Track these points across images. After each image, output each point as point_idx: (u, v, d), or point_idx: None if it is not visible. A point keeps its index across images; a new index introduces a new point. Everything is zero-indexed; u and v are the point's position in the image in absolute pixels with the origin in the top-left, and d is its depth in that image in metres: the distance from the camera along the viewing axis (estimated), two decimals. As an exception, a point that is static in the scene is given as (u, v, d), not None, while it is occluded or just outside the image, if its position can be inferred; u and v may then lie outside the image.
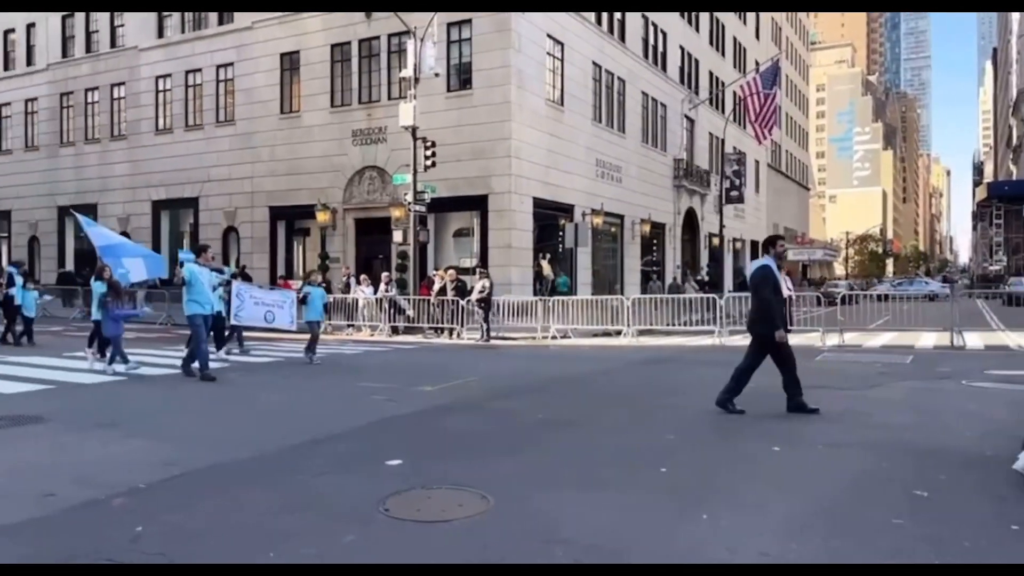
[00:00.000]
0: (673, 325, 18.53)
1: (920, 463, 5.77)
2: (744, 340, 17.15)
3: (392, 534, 4.27)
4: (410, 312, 18.94)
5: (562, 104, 25.85)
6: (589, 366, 12.88)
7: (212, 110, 28.58)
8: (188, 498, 4.92)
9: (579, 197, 26.68)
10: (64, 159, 32.67)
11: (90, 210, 31.71)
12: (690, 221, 38.21)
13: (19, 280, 15.16)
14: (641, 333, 17.82)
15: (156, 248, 29.24)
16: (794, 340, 16.64)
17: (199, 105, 28.97)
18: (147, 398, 9.03)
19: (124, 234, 30.36)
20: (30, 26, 33.56)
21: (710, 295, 19.20)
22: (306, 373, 11.42)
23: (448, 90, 23.70)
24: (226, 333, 13.52)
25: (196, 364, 10.48)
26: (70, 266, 31.96)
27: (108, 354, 11.08)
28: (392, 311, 19.08)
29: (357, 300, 19.46)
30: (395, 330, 18.91)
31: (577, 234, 23.66)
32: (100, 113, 31.70)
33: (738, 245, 45.91)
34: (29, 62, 33.65)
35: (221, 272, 12.94)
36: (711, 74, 40.67)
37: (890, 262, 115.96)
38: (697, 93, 37.96)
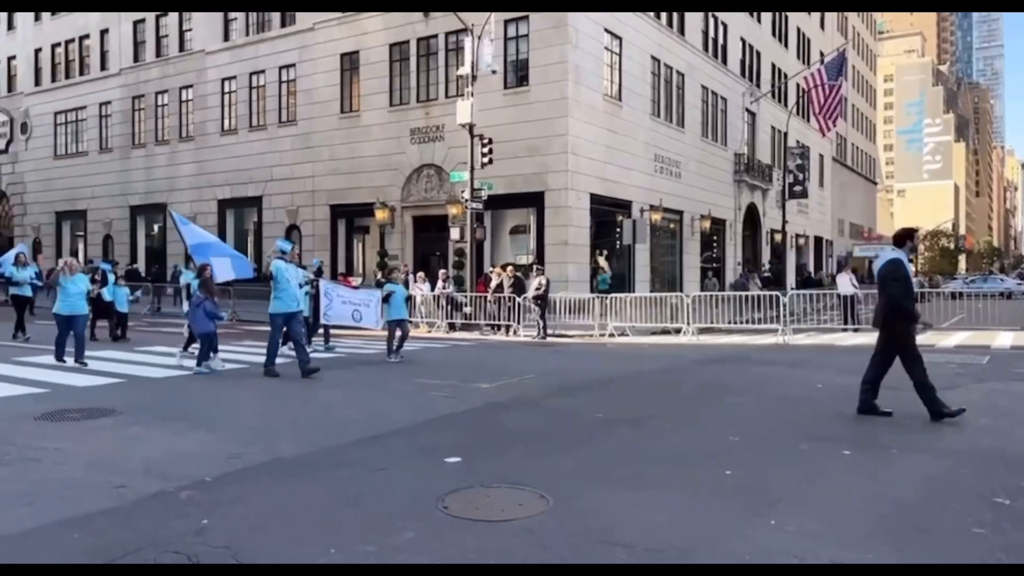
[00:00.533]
0: (734, 323, 18.16)
1: (1001, 469, 5.48)
2: (808, 339, 16.73)
3: (452, 532, 4.25)
4: (467, 309, 19.00)
5: (620, 99, 25.58)
6: (648, 364, 12.70)
7: (275, 111, 29.21)
8: (251, 492, 5.00)
9: (637, 193, 26.38)
10: (135, 160, 33.85)
11: (159, 209, 32.91)
12: (751, 217, 37.41)
13: (111, 278, 15.81)
14: (701, 331, 17.50)
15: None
16: (864, 339, 16.14)
17: (262, 106, 29.64)
18: (212, 392, 9.25)
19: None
20: (103, 32, 34.85)
21: (773, 292, 18.73)
22: (365, 370, 11.55)
23: (505, 87, 23.70)
24: (319, 331, 14.04)
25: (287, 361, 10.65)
26: (141, 263, 33.11)
27: (194, 350, 11.27)
28: (449, 308, 19.19)
29: (415, 297, 19.62)
30: (452, 327, 19.01)
31: (635, 231, 23.39)
32: (169, 115, 32.74)
33: (801, 241, 44.75)
34: (103, 67, 34.94)
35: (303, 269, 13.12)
36: (773, 66, 39.71)
37: (962, 258, 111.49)
38: (759, 86, 37.11)
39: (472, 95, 19.80)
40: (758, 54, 37.64)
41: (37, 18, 37.28)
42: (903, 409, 7.60)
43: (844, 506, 4.72)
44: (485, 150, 19.97)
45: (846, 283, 19.38)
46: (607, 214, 25.41)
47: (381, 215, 25.49)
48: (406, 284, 14.37)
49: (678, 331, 17.55)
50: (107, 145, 34.95)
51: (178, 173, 32.10)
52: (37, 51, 37.34)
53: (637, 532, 4.25)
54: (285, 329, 10.97)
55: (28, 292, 15.68)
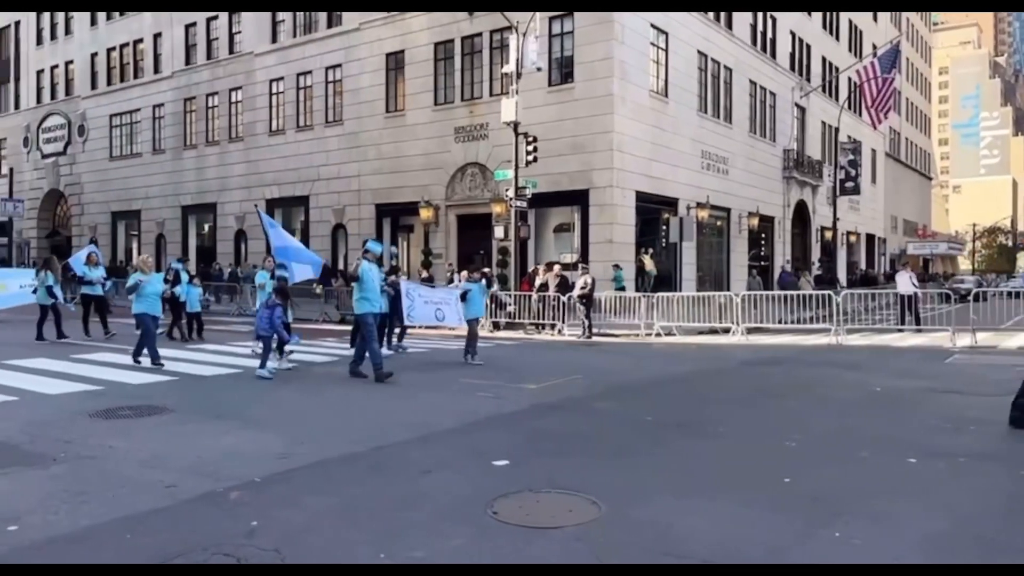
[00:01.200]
0: (785, 323, 17.74)
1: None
2: (863, 340, 16.24)
3: (501, 539, 4.16)
4: (511, 307, 18.93)
5: (666, 95, 25.22)
6: (697, 365, 12.45)
7: (321, 111, 29.51)
8: (300, 493, 4.98)
9: (683, 190, 25.99)
10: (187, 161, 34.55)
11: (209, 209, 33.56)
12: (801, 214, 36.57)
13: (184, 276, 15.83)
14: (750, 331, 17.14)
15: (269, 246, 30.49)
16: (922, 340, 15.63)
17: (309, 106, 29.98)
18: (261, 392, 9.32)
19: (240, 232, 32.04)
20: (156, 36, 35.64)
21: (825, 291, 18.25)
22: (412, 369, 11.51)
23: (550, 84, 23.54)
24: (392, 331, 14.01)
25: (367, 362, 10.13)
26: (192, 263, 33.77)
27: (289, 349, 11.24)
28: (493, 307, 19.13)
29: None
30: (496, 326, 18.95)
31: (682, 228, 23.03)
32: (219, 117, 33.34)
33: (852, 239, 43.61)
34: (156, 70, 35.73)
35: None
36: (824, 60, 38.75)
37: (1021, 256, 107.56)
38: (809, 80, 36.26)
39: (516, 93, 19.70)
40: (808, 48, 36.76)
41: (93, 23, 38.31)
42: (967, 414, 7.28)
43: (913, 516, 4.50)
44: (529, 148, 19.86)
45: (906, 282, 18.76)
46: (653, 212, 25.07)
47: (425, 214, 25.57)
48: (489, 283, 14.04)
49: (726, 331, 17.21)
50: (160, 146, 35.74)
51: (228, 173, 32.66)
52: (93, 55, 38.38)
53: (693, 542, 4.11)
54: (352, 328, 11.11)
55: (99, 291, 15.84)
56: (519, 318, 18.82)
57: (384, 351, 12.21)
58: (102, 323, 15.53)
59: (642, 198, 23.93)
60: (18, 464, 5.62)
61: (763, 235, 32.85)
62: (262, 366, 10.17)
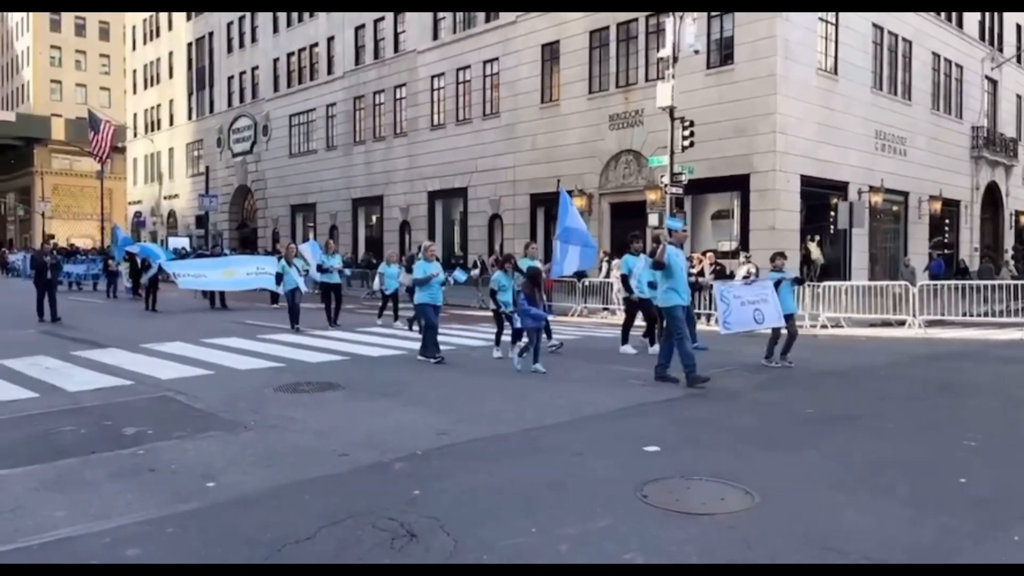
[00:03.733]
0: (970, 316, 16.25)
1: None
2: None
3: (650, 522, 4.20)
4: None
5: (836, 73, 23.72)
6: (866, 359, 11.71)
7: (479, 104, 30.34)
8: (457, 468, 5.26)
9: (854, 173, 24.37)
10: (356, 156, 36.73)
11: (376, 202, 35.49)
12: (991, 197, 33.19)
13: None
14: (930, 324, 15.86)
15: (431, 235, 31.87)
16: None
17: (468, 100, 30.92)
18: (424, 373, 9.82)
19: (405, 223, 33.66)
20: (330, 39, 38.08)
21: (1020, 282, 16.52)
22: (563, 356, 11.65)
23: (708, 67, 22.85)
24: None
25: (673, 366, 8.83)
26: (361, 251, 35.93)
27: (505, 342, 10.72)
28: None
29: (613, 284, 19.54)
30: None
31: (852, 214, 21.62)
32: (385, 113, 35.14)
33: (1055, 223, 39.04)
34: (329, 71, 38.21)
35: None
36: (1019, 27, 34.80)
37: None
38: (1001, 50, 32.73)
39: (673, 77, 19.27)
40: (999, 14, 33.17)
41: (275, 31, 41.50)
42: None
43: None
44: (686, 133, 19.38)
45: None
46: (819, 197, 23.71)
47: (579, 202, 25.61)
48: (800, 280, 12.02)
49: (901, 323, 16.02)
50: (332, 143, 38.21)
51: (393, 167, 34.39)
52: (275, 60, 41.61)
53: (851, 538, 3.95)
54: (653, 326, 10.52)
55: (336, 279, 15.67)
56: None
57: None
58: (335, 313, 15.32)
59: (808, 182, 22.71)
60: (216, 430, 6.32)
61: (947, 220, 30.16)
62: (535, 360, 9.47)
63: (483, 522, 4.18)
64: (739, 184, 22.36)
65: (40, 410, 7.04)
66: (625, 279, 12.12)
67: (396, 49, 34.28)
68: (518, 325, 9.88)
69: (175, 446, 5.79)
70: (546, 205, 28.27)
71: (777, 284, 10.54)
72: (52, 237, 19.68)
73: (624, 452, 5.66)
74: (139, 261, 22.49)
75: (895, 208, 27.24)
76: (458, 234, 31.82)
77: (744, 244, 21.63)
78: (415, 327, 12.76)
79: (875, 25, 25.22)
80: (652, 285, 10.77)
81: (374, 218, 36.47)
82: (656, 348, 10.35)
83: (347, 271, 17.08)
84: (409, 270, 14.06)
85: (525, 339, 9.64)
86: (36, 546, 3.83)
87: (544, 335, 10.48)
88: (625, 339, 11.93)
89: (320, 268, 15.52)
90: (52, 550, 3.79)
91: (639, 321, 12.34)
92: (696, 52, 20.14)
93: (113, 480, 4.94)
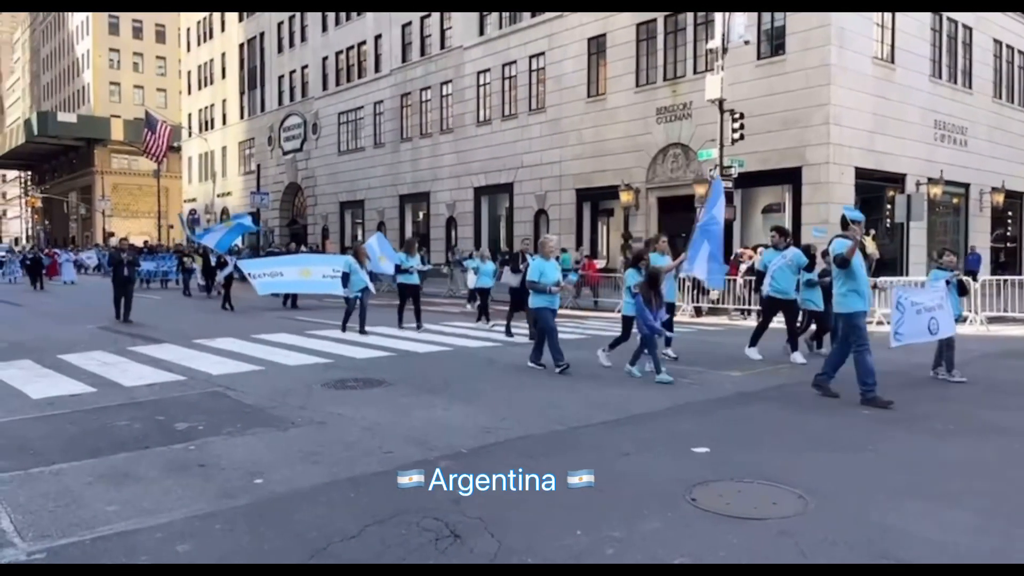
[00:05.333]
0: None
1: None
2: None
3: (700, 525, 4.10)
4: (715, 293, 18.32)
5: (892, 61, 22.99)
6: (920, 357, 11.30)
7: (525, 99, 30.26)
8: (503, 466, 5.19)
9: (912, 165, 23.61)
10: (403, 153, 37.00)
11: (423, 198, 35.70)
12: (1059, 188, 31.82)
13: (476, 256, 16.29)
14: (991, 320, 15.27)
15: (476, 231, 31.94)
16: None
17: (514, 96, 30.85)
18: (467, 370, 9.83)
19: (451, 219, 33.78)
20: (377, 37, 38.40)
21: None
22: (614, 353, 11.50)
23: (758, 57, 22.36)
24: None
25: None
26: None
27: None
28: (695, 291, 18.63)
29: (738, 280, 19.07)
30: (698, 311, 18.43)
31: (909, 207, 20.96)
32: (432, 110, 35.32)
33: None
34: (376, 69, 38.55)
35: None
36: (1092, 8, 33.29)
37: None
38: (1072, 33, 31.33)
39: (722, 69, 18.94)
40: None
41: (324, 30, 42.05)
42: None
43: None
44: (736, 125, 19.03)
45: None
46: (875, 189, 23.04)
47: (626, 197, 25.42)
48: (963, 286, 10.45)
49: (962, 320, 15.44)
50: (380, 140, 38.55)
51: (439, 164, 34.54)
52: (324, 59, 42.14)
53: (914, 547, 3.79)
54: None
55: (416, 280, 14.57)
56: (723, 304, 18.19)
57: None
58: (416, 315, 14.21)
59: (862, 175, 22.08)
60: (265, 425, 6.40)
61: (1009, 212, 29.02)
62: (658, 370, 8.62)
63: (528, 523, 4.12)
64: (791, 177, 21.86)
65: (97, 404, 7.23)
66: (761, 275, 11.12)
67: (442, 46, 34.39)
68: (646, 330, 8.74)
69: (225, 441, 5.87)
70: (593, 199, 28.09)
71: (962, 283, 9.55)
72: (125, 238, 19.61)
73: (673, 453, 5.55)
74: (212, 259, 22.70)
75: (955, 200, 26.33)
76: (503, 230, 31.81)
77: (796, 239, 21.12)
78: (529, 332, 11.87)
79: (933, 12, 24.38)
80: (811, 284, 10.39)
81: (421, 214, 36.71)
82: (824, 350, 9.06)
83: (427, 267, 16.17)
84: (516, 270, 13.15)
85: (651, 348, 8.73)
86: (89, 540, 3.91)
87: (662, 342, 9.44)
88: (755, 340, 10.68)
89: (399, 268, 14.57)
90: (105, 544, 3.86)
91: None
92: (746, 43, 19.77)
93: (165, 475, 5.03)
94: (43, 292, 27.40)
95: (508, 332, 13.11)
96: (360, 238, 39.38)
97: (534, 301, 9.55)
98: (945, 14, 24.79)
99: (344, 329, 13.34)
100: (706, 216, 10.58)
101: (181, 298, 24.17)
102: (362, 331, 13.12)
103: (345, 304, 13.80)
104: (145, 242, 47.47)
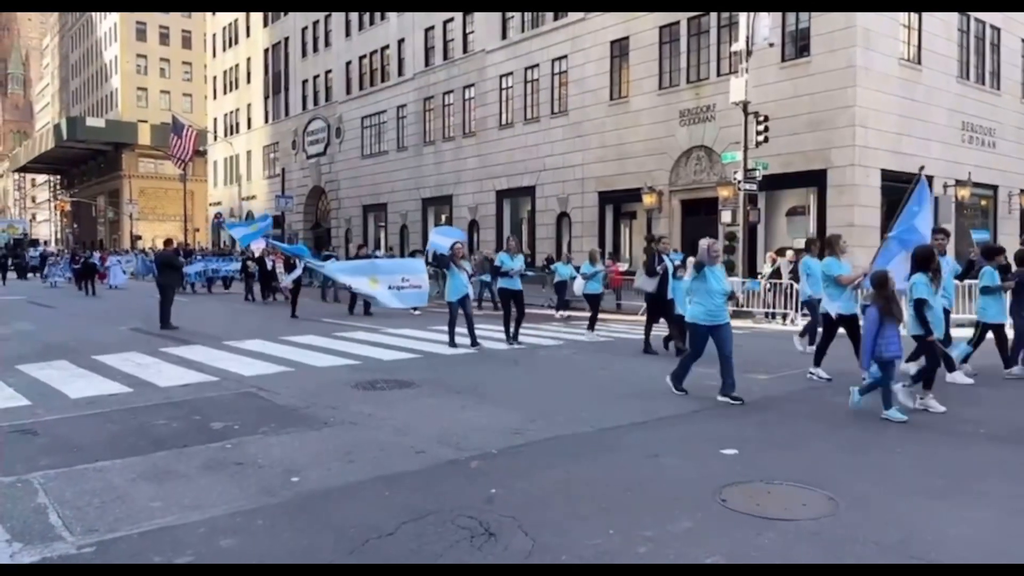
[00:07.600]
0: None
1: None
2: None
3: (730, 526, 4.14)
4: (738, 296, 18.27)
5: (919, 62, 22.79)
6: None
7: (547, 103, 30.32)
8: (533, 467, 5.29)
9: (938, 167, 23.35)
10: (426, 156, 37.22)
11: (446, 201, 35.88)
12: (1090, 190, 31.31)
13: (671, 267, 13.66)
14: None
15: (499, 234, 32.04)
16: None
17: (536, 99, 30.94)
18: (496, 371, 9.91)
19: (473, 222, 33.92)
20: (400, 41, 38.69)
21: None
22: (631, 356, 11.56)
23: (782, 60, 22.26)
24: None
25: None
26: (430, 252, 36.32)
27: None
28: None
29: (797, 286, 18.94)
30: (723, 314, 18.36)
31: (936, 209, 20.73)
32: (454, 114, 35.49)
33: None
34: (400, 73, 38.83)
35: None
36: (1125, 6, 32.75)
37: None
38: (1104, 32, 30.84)
39: (746, 71, 18.89)
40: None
41: (347, 34, 42.43)
42: None
43: None
44: (760, 128, 18.97)
45: None
46: (901, 192, 22.59)
47: (649, 200, 25.39)
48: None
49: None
50: (403, 144, 38.81)
51: (462, 167, 34.71)
52: (347, 64, 42.52)
53: (947, 549, 3.81)
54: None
55: (518, 285, 12.47)
56: (747, 306, 18.14)
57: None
58: (516, 325, 12.36)
59: (889, 177, 21.89)
60: (298, 425, 6.53)
61: (1040, 215, 28.60)
62: (887, 405, 6.78)
63: (560, 522, 4.19)
64: (815, 179, 21.73)
65: (135, 404, 7.40)
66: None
67: (465, 50, 34.57)
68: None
69: (260, 440, 6.01)
70: (615, 202, 28.09)
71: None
72: (170, 241, 19.27)
73: (701, 454, 5.59)
74: (268, 263, 22.45)
75: (983, 203, 26.02)
76: (526, 233, 31.88)
77: (821, 243, 20.98)
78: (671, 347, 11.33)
79: (960, 12, 24.13)
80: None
81: (443, 218, 36.86)
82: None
83: (529, 273, 14.10)
84: (652, 272, 12.06)
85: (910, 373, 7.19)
86: (136, 535, 4.04)
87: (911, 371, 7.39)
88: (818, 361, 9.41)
89: (498, 271, 12.69)
90: (152, 538, 3.99)
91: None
92: (771, 45, 19.72)
93: (204, 473, 5.16)
94: (95, 298, 25.50)
95: (648, 347, 11.62)
96: (383, 241, 39.75)
97: (692, 312, 7.95)
98: (972, 15, 24.54)
99: (452, 343, 11.81)
100: (905, 225, 9.28)
101: (246, 304, 22.91)
102: (473, 343, 11.74)
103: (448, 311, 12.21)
104: (185, 245, 46.70)
